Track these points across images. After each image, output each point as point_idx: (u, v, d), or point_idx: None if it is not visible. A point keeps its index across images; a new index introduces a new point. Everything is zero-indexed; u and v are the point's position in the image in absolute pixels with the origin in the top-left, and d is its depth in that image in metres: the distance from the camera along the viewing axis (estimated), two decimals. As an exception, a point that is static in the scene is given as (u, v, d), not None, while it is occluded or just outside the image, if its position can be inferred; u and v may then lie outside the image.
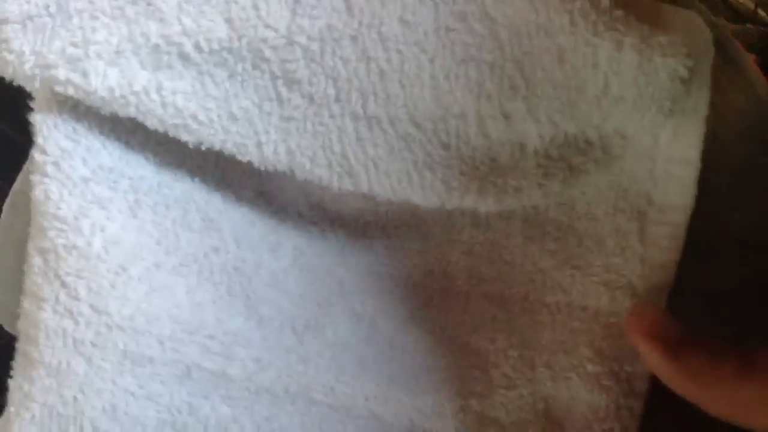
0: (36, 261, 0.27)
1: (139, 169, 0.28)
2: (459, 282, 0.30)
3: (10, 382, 0.28)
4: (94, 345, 0.27)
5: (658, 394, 0.27)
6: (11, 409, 0.27)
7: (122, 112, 0.26)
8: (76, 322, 0.27)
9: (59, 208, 0.26)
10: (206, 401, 0.28)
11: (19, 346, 0.28)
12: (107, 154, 0.27)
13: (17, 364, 0.28)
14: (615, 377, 0.27)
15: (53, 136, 0.26)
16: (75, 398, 0.27)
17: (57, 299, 0.27)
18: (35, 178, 0.27)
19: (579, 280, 0.28)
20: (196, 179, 0.30)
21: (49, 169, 0.26)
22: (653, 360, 0.24)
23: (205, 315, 0.29)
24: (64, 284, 0.27)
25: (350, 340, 0.30)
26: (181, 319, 0.28)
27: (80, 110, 0.26)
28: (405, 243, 0.31)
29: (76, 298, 0.27)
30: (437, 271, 0.30)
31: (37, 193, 0.26)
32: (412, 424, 0.28)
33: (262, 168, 0.27)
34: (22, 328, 0.28)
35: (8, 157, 0.30)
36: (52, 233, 0.26)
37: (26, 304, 0.27)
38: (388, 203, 0.30)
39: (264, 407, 0.29)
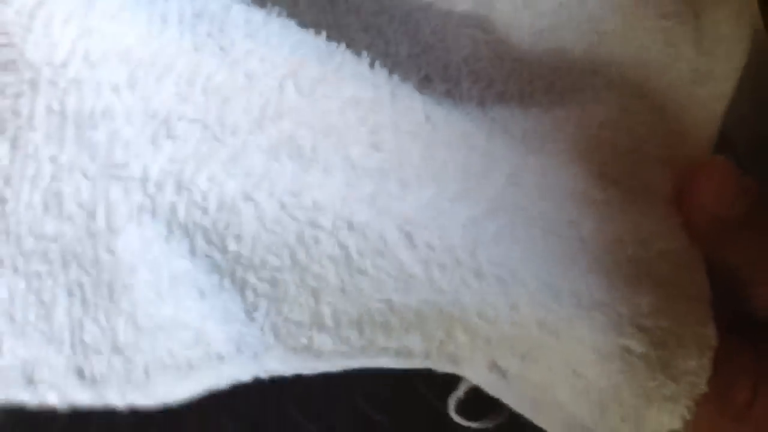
0: None
1: None
2: None
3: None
4: (16, 114, 0.20)
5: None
6: None
7: None
8: None
9: None
10: (201, 170, 0.21)
11: None
12: None
13: None
14: None
15: None
16: (1, 198, 0.20)
17: None
18: None
19: None
20: None
21: None
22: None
23: (175, 59, 0.21)
24: None
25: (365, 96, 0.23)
26: (139, 59, 0.21)
27: None
28: None
29: None
30: None
31: None
32: None
33: None
34: None
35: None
36: None
37: None
38: None
39: (288, 174, 0.21)
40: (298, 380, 0.24)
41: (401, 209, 0.22)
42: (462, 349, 0.24)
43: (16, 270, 0.20)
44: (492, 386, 0.24)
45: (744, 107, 0.29)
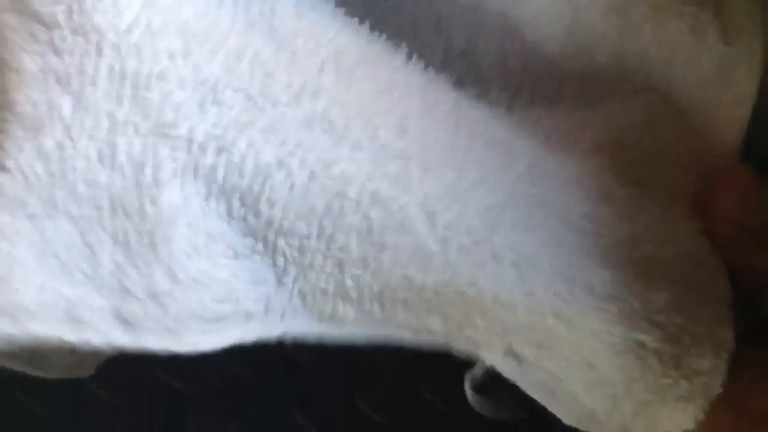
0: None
1: None
2: None
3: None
4: (81, 72, 0.22)
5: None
6: None
7: None
8: (59, 54, 0.22)
9: None
10: (241, 135, 0.22)
11: None
12: None
13: None
14: None
15: None
16: (60, 145, 0.22)
17: (33, 38, 0.22)
18: None
19: None
20: None
21: None
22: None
23: (228, 34, 0.23)
24: (38, 17, 0.22)
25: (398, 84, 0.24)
26: (195, 32, 0.22)
27: None
28: None
29: (55, 26, 0.22)
30: None
31: None
32: None
33: None
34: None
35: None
36: None
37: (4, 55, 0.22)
38: None
39: (320, 146, 0.23)
40: (300, 381, 0.25)
41: (423, 189, 0.23)
42: (480, 332, 0.25)
43: (68, 214, 0.22)
44: (508, 371, 0.25)
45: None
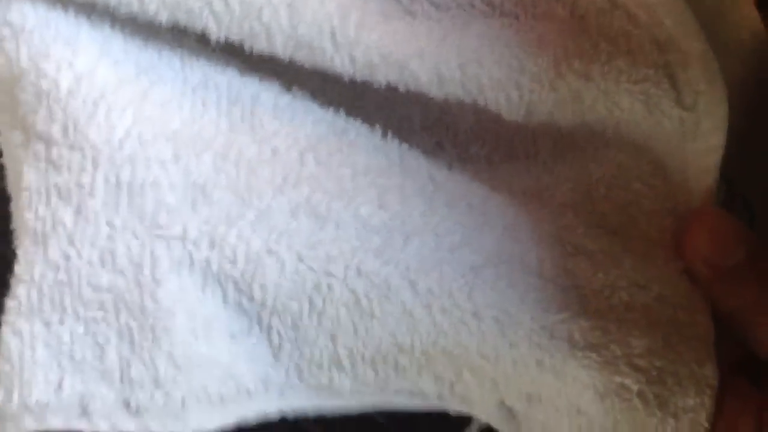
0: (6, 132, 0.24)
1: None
2: None
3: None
4: (80, 186, 0.24)
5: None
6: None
7: None
8: (58, 169, 0.24)
9: (18, 59, 0.24)
10: (231, 229, 0.24)
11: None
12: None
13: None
14: None
15: None
16: (65, 255, 0.24)
17: (36, 156, 0.24)
18: None
19: None
20: None
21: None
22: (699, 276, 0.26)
23: (213, 138, 0.25)
24: (38, 136, 0.24)
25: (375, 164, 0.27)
26: (183, 139, 0.24)
27: None
28: None
29: (54, 144, 0.24)
30: None
31: None
32: None
33: None
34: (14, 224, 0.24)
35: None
36: (16, 89, 0.24)
37: (10, 177, 0.25)
38: None
39: (306, 230, 0.25)
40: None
41: (405, 259, 0.25)
42: (471, 389, 0.26)
43: (77, 316, 0.24)
44: (502, 425, 0.26)
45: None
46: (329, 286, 0.25)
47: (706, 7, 0.28)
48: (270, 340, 0.25)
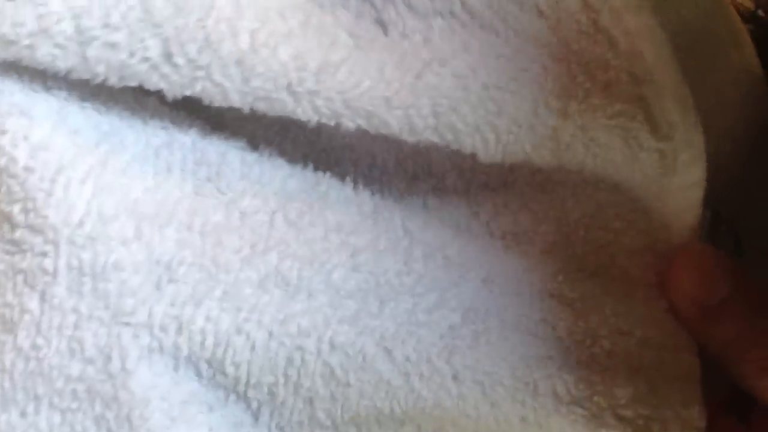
0: None
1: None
2: None
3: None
4: (43, 271, 0.23)
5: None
6: None
7: None
8: (22, 253, 0.23)
9: None
10: (199, 309, 0.24)
11: None
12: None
13: None
14: None
15: None
16: (34, 345, 0.23)
17: (2, 238, 0.23)
18: None
19: None
20: None
21: None
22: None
23: (178, 203, 0.24)
24: (2, 216, 0.23)
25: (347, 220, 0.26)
26: (145, 211, 0.23)
27: None
28: None
29: (16, 226, 0.23)
30: None
31: None
32: None
33: None
34: None
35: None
36: None
37: None
38: None
39: (275, 303, 0.24)
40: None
41: (380, 326, 0.25)
42: None
43: (52, 406, 0.23)
44: None
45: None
46: (303, 360, 0.24)
47: (704, 46, 0.27)
48: (248, 405, 0.25)
